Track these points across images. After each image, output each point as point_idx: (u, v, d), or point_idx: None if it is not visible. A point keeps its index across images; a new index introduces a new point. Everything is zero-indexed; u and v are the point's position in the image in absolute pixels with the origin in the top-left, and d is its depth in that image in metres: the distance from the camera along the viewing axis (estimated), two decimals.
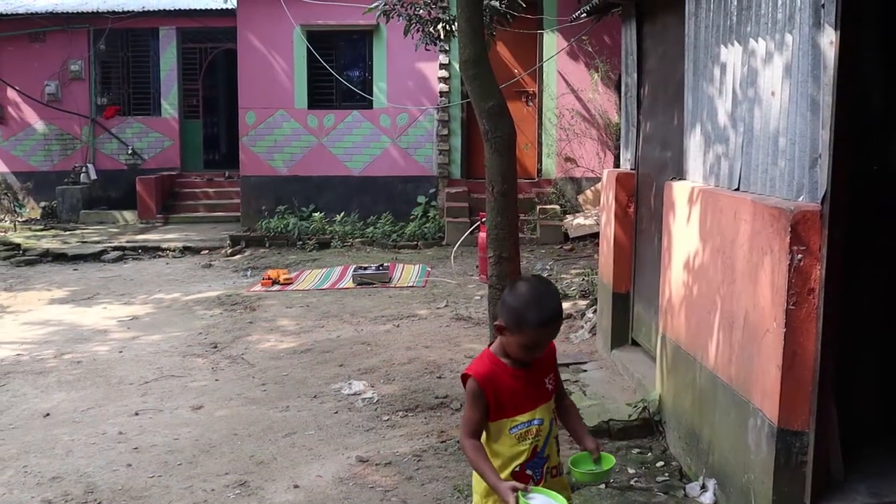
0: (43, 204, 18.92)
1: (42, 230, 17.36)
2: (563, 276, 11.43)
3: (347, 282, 11.76)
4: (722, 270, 4.62)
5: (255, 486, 5.29)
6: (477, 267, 12.09)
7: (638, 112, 7.23)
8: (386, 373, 7.53)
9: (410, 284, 11.56)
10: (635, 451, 5.53)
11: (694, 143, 5.43)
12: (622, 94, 7.63)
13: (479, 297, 10.47)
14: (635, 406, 5.93)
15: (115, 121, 19.40)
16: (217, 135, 21.71)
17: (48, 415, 6.76)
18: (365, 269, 12.10)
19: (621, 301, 7.36)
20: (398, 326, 9.27)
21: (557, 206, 15.34)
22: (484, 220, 11.81)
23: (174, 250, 14.93)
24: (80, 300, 11.30)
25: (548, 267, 12.10)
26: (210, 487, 5.29)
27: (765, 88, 4.32)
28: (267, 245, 15.14)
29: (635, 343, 7.28)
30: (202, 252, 14.92)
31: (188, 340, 9.00)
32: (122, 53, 19.47)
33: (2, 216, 18.67)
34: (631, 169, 7.37)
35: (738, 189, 4.63)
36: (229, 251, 14.73)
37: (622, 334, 7.37)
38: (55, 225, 17.91)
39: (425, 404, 6.65)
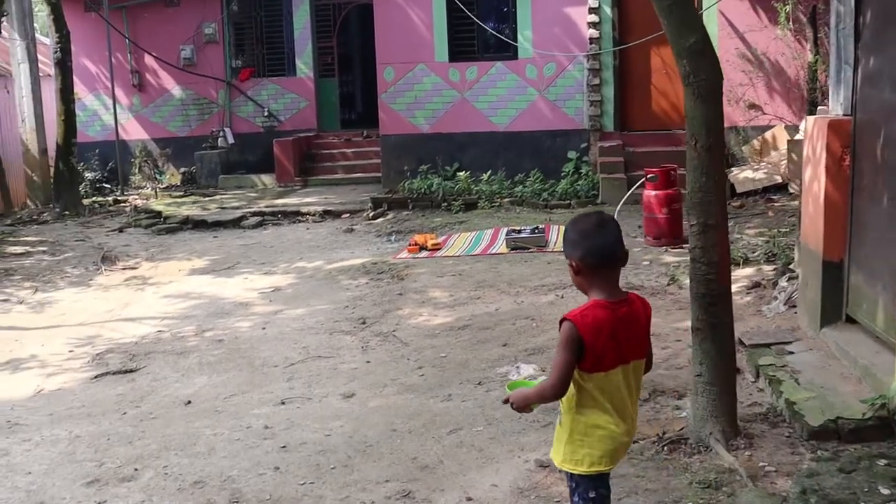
0: (182, 170, 18.77)
1: (182, 196, 17.20)
2: (737, 235, 10.21)
3: (500, 246, 10.89)
4: None
5: (420, 498, 4.58)
6: (640, 227, 11.05)
7: (856, 47, 6.06)
8: None
9: None
10: (881, 462, 4.47)
11: None
12: (832, 26, 6.45)
13: (647, 263, 9.48)
14: (871, 403, 4.90)
15: (250, 83, 19.05)
16: (353, 93, 21.32)
17: (189, 402, 6.30)
18: (518, 232, 11.18)
19: (833, 270, 6.23)
20: (562, 297, 8.35)
21: None
22: (650, 176, 10.79)
23: (314, 214, 14.43)
24: (221, 270, 10.89)
25: None
26: (370, 499, 4.59)
27: None
28: (410, 207, 14.41)
29: (851, 320, 6.17)
30: (343, 216, 14.36)
31: (334, 315, 8.36)
32: (255, 14, 19.09)
33: (144, 183, 18.67)
34: (844, 115, 6.22)
35: None
36: (371, 214, 14.11)
37: (834, 310, 6.26)
38: (194, 191, 17.74)
39: None
